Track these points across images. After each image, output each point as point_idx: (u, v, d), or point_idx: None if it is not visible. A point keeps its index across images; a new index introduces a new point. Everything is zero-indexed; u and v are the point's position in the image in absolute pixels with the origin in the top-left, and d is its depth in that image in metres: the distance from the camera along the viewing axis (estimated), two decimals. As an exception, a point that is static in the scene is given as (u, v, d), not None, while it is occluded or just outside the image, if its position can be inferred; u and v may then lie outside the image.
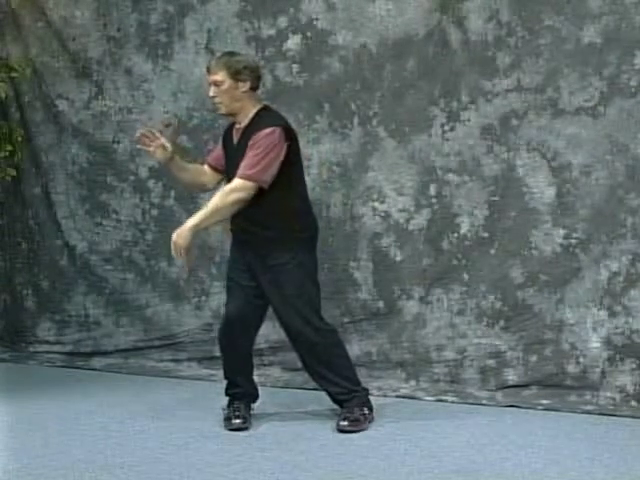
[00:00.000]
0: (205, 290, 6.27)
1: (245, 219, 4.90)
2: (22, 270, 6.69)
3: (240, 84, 4.88)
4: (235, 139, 4.97)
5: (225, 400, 5.12)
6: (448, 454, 4.57)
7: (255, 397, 5.17)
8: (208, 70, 4.95)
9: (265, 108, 4.98)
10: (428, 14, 5.61)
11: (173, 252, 4.80)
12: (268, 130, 4.80)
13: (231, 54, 5.04)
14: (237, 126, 4.96)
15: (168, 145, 5.01)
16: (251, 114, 4.92)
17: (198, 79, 6.15)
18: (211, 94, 4.92)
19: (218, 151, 5.16)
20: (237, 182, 4.79)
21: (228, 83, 4.88)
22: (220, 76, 4.88)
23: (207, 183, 5.21)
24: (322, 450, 4.62)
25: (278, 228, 4.89)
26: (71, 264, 6.57)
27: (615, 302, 5.36)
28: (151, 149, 5.01)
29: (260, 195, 4.82)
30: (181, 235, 4.77)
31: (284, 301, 4.93)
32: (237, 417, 4.99)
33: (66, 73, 6.47)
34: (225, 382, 5.16)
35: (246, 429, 4.94)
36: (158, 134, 5.03)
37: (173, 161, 5.06)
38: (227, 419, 5.02)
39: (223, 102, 4.90)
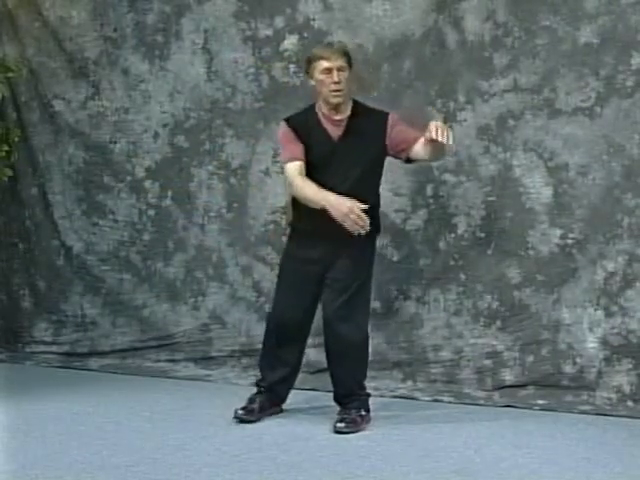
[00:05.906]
0: (202, 290, 6.26)
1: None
2: (19, 270, 6.68)
3: (350, 74, 4.85)
4: (334, 132, 4.83)
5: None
6: (445, 454, 4.57)
7: (280, 399, 5.14)
8: (323, 57, 4.77)
9: (355, 99, 4.93)
10: (425, 14, 5.62)
11: None
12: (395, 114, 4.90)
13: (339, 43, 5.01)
14: (335, 117, 4.83)
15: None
16: (349, 105, 4.84)
17: (195, 79, 6.15)
18: (336, 79, 4.75)
19: (299, 147, 4.88)
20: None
21: (348, 71, 4.83)
22: (345, 62, 4.80)
23: None
24: (319, 450, 4.61)
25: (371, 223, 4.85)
26: (68, 264, 6.56)
27: (612, 302, 5.37)
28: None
29: (373, 187, 4.90)
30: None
31: (347, 285, 4.84)
32: (246, 409, 5.00)
33: (63, 73, 6.47)
34: (259, 376, 5.16)
35: (249, 422, 4.97)
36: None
37: None
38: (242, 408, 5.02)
39: (343, 90, 4.79)
